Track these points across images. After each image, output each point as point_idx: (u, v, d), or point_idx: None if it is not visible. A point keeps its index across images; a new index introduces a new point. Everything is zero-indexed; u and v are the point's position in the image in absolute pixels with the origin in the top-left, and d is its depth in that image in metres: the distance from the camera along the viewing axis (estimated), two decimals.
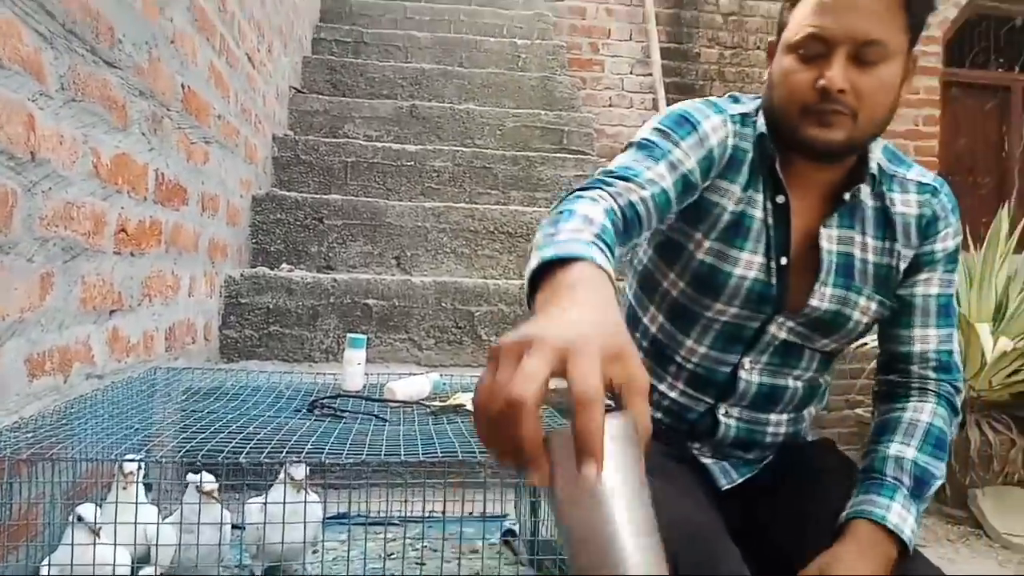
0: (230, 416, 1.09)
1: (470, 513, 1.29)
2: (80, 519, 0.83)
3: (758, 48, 4.53)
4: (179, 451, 0.90)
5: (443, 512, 1.10)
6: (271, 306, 2.00)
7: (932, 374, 1.09)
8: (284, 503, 0.85)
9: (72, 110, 1.07)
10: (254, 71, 2.24)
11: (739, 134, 1.06)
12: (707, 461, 1.15)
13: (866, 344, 3.50)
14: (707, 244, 1.05)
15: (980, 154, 4.98)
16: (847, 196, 1.03)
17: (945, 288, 1.09)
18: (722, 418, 1.12)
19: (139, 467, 0.83)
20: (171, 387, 1.32)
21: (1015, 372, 3.23)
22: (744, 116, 1.07)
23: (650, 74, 4.23)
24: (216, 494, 0.87)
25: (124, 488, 0.86)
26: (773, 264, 1.05)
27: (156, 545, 0.91)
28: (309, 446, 0.88)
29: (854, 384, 4.32)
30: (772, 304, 1.05)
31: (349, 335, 1.32)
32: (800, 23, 0.98)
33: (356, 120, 2.93)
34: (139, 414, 1.09)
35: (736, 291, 1.05)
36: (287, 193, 2.35)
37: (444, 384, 1.33)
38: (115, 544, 0.85)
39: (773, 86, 1.03)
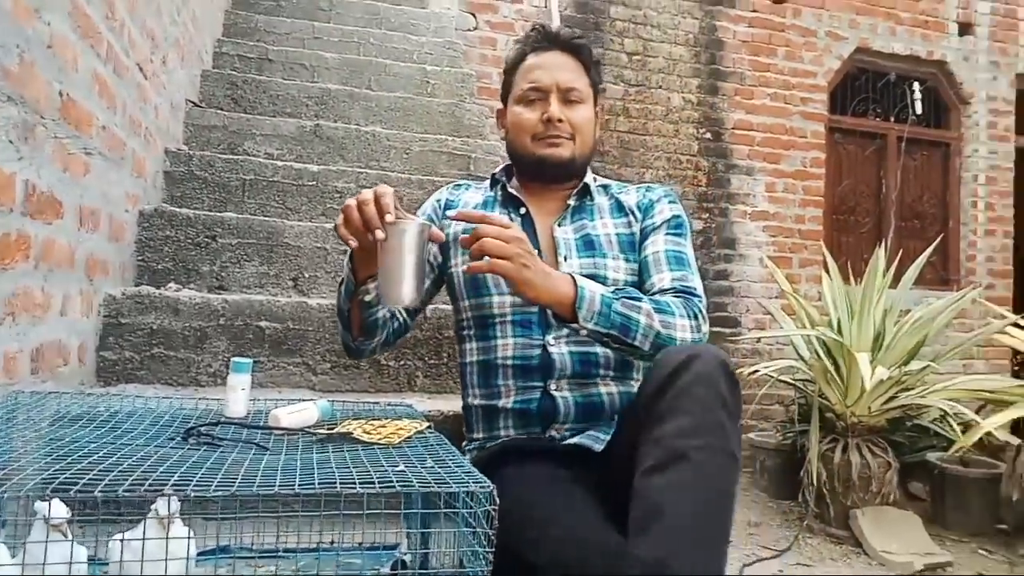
0: (96, 444, 1.02)
1: (359, 544, 1.25)
2: None
3: (660, 87, 4.72)
4: (30, 482, 0.83)
5: (318, 544, 1.05)
6: (155, 327, 1.89)
7: (669, 296, 1.30)
8: (144, 539, 0.79)
9: None
10: (146, 82, 2.14)
11: (455, 193, 1.54)
12: (573, 440, 1.31)
13: (757, 371, 3.67)
14: (459, 260, 1.42)
15: (861, 195, 5.34)
16: (571, 201, 1.45)
17: (672, 246, 1.38)
18: (556, 393, 1.33)
19: None
20: (34, 412, 1.22)
21: (891, 399, 3.45)
22: (469, 184, 1.59)
23: None
24: (66, 528, 0.80)
25: None
26: None
27: None
28: (176, 477, 0.83)
29: (747, 410, 4.50)
30: None
31: (233, 359, 1.26)
32: (521, 84, 1.44)
33: (257, 137, 2.85)
34: None
35: (496, 280, 1.34)
36: (178, 209, 2.25)
37: (333, 410, 1.29)
38: None
39: (510, 131, 1.47)
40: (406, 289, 1.14)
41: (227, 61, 3.34)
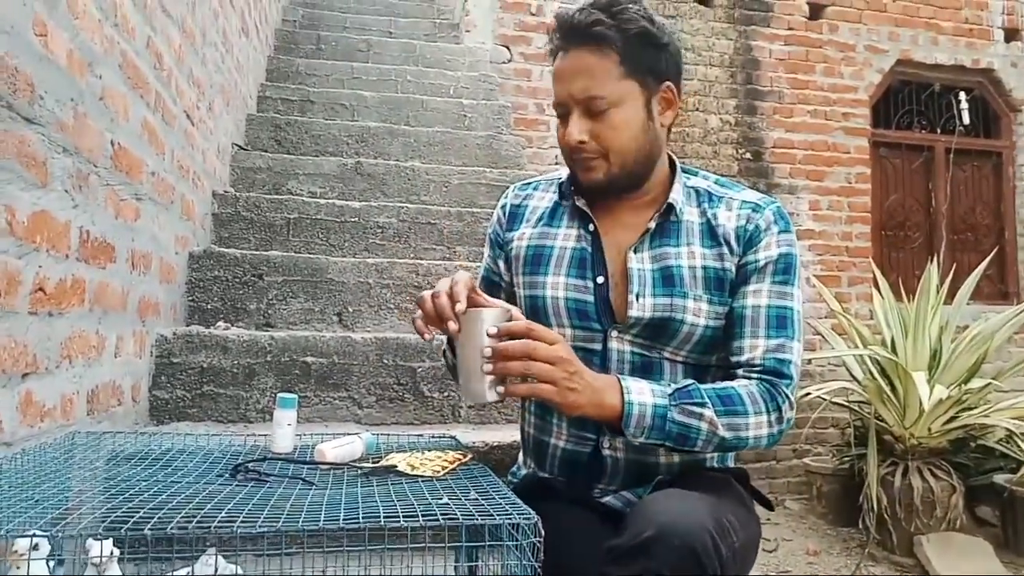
0: (148, 483, 1.04)
1: None
2: None
3: (696, 109, 4.71)
4: (84, 520, 0.85)
5: None
6: (205, 365, 1.94)
7: (755, 375, 1.13)
8: None
9: None
10: (193, 128, 2.22)
11: (520, 195, 1.34)
12: (607, 499, 1.21)
13: (809, 394, 3.57)
14: (521, 279, 1.27)
15: (910, 210, 5.20)
16: (652, 223, 1.20)
17: (776, 299, 1.16)
18: (606, 451, 1.20)
19: (31, 543, 0.78)
20: (90, 452, 1.25)
21: (952, 419, 3.32)
22: (538, 182, 1.37)
23: None
24: (115, 567, 0.81)
25: (17, 568, 0.80)
26: (591, 283, 1.20)
27: None
28: (224, 514, 0.84)
29: (800, 434, 4.37)
30: (597, 319, 1.20)
31: (279, 395, 1.28)
32: (552, 93, 1.21)
33: (300, 177, 2.92)
34: (51, 482, 1.03)
35: (556, 310, 1.21)
36: (226, 250, 2.31)
37: (378, 444, 1.29)
38: None
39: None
40: (485, 384, 1.03)
41: (270, 104, 3.45)
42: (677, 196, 1.21)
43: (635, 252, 1.20)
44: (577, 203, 1.25)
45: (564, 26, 1.17)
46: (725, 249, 1.18)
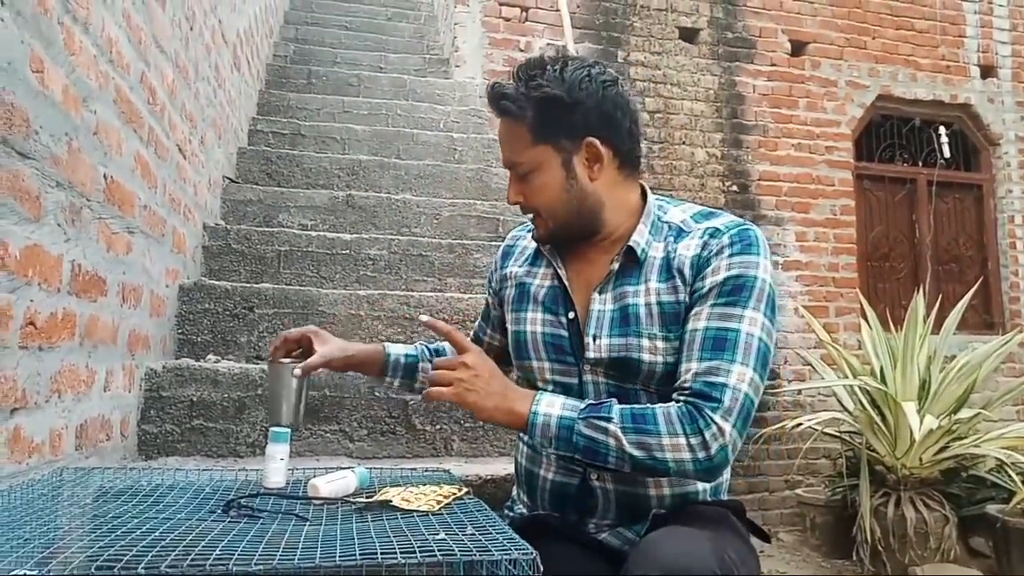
0: (139, 519, 1.02)
1: None
2: None
3: (683, 143, 4.77)
4: (75, 560, 0.83)
5: None
6: (195, 399, 1.92)
7: (683, 398, 1.10)
8: None
9: None
10: (185, 161, 2.23)
11: (515, 237, 1.46)
12: (603, 536, 1.20)
13: (801, 424, 3.57)
14: (509, 315, 1.35)
15: (895, 241, 5.27)
16: (614, 264, 1.21)
17: (716, 321, 1.11)
18: (595, 483, 1.21)
19: None
20: (79, 489, 1.23)
21: (943, 449, 3.33)
22: (531, 225, 1.37)
23: None
24: None
25: None
26: (563, 319, 1.25)
27: None
28: (218, 551, 0.82)
29: (792, 464, 4.36)
30: (571, 353, 1.23)
31: (271, 428, 1.27)
32: None
33: (291, 209, 2.92)
34: (39, 520, 1.01)
35: (535, 344, 1.27)
36: (217, 282, 2.30)
37: (371, 478, 1.28)
38: None
39: None
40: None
41: (261, 138, 3.47)
42: (640, 237, 1.21)
43: (599, 293, 1.22)
44: (543, 248, 1.32)
45: (487, 96, 1.22)
46: (678, 281, 1.16)
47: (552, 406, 1.11)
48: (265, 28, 4.05)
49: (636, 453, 1.05)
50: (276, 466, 1.24)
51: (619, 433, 1.06)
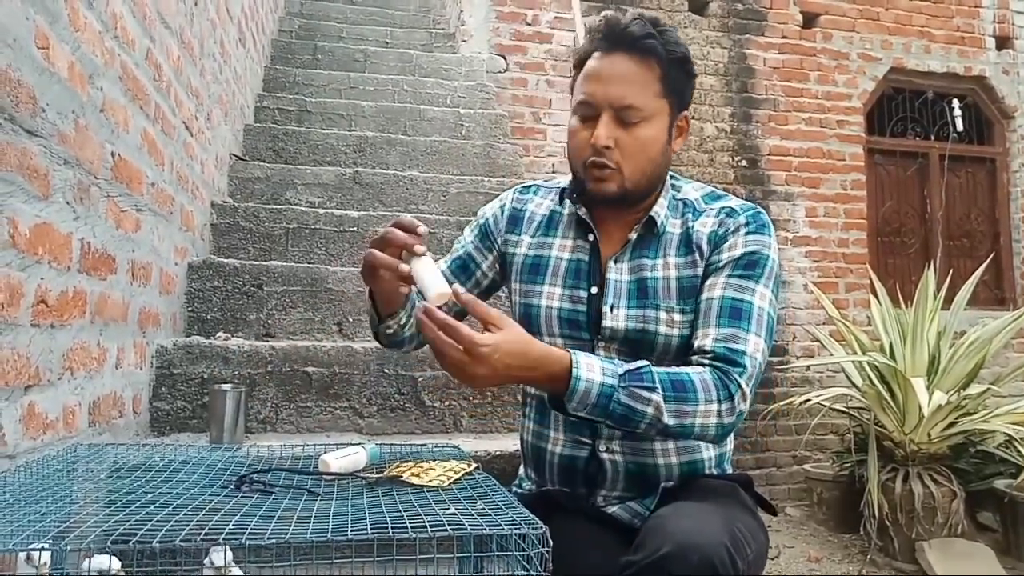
0: (152, 495, 1.03)
1: None
2: None
3: (692, 118, 4.71)
4: (90, 534, 0.84)
5: None
6: (206, 376, 1.93)
7: (707, 361, 1.11)
8: None
9: None
10: (192, 139, 2.22)
11: (521, 199, 1.34)
12: (613, 509, 1.20)
13: (809, 400, 3.57)
14: (517, 286, 1.29)
15: (905, 216, 5.22)
16: (632, 234, 1.22)
17: (733, 292, 1.15)
18: (604, 455, 1.20)
19: (32, 557, 0.77)
20: (92, 465, 1.25)
21: (951, 424, 3.32)
22: (539, 186, 1.37)
23: None
24: None
25: None
26: (583, 293, 1.21)
27: None
28: (231, 526, 0.83)
29: (800, 440, 4.37)
30: (587, 329, 1.20)
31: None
32: (578, 90, 1.20)
33: (298, 187, 2.92)
34: (54, 495, 1.02)
35: (548, 320, 1.23)
36: (225, 260, 2.31)
37: (382, 453, 1.29)
38: None
39: (568, 144, 1.25)
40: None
41: (268, 115, 3.45)
42: (660, 209, 1.22)
43: (615, 262, 1.22)
44: (580, 212, 1.25)
45: (615, 29, 1.16)
46: (696, 255, 1.19)
47: (592, 370, 1.03)
48: (270, 2, 4.02)
49: (671, 422, 1.04)
50: (431, 277, 1.14)
51: (661, 403, 1.03)
